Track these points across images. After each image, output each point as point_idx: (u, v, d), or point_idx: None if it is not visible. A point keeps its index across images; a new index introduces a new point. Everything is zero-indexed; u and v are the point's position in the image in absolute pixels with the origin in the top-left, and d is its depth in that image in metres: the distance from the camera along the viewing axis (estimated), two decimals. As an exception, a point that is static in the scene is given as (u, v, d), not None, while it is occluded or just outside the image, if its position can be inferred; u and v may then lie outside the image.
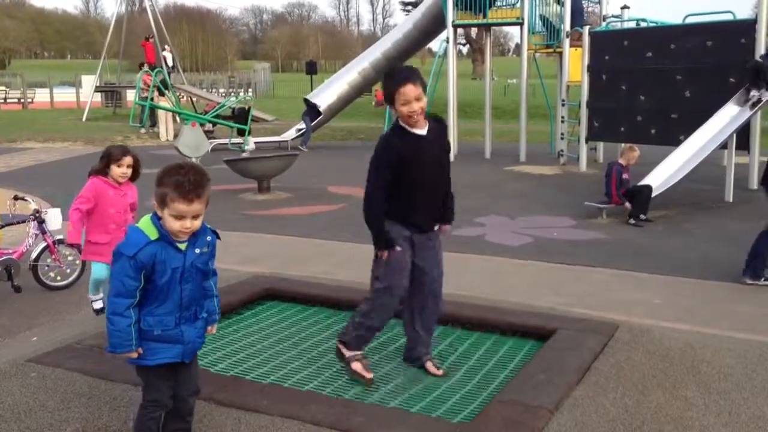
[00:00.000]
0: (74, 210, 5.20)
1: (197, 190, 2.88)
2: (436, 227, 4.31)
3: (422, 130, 4.10)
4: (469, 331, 5.07)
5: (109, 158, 5.22)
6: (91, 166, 5.33)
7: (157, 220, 2.95)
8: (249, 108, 17.51)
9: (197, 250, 3.03)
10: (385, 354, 4.62)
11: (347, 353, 4.24)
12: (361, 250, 7.84)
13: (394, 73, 4.11)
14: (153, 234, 2.92)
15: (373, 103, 33.00)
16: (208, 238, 3.10)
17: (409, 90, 3.93)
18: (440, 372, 4.29)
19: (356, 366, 4.20)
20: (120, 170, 5.21)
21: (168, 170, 2.91)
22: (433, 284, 4.35)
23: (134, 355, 2.99)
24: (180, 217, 2.89)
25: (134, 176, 5.35)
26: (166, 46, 28.09)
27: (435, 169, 4.16)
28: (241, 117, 17.34)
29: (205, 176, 2.94)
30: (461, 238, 8.52)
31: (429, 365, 4.35)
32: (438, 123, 4.23)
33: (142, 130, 21.77)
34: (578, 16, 15.59)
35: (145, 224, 2.95)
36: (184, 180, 2.86)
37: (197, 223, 2.96)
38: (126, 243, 2.94)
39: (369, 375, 4.17)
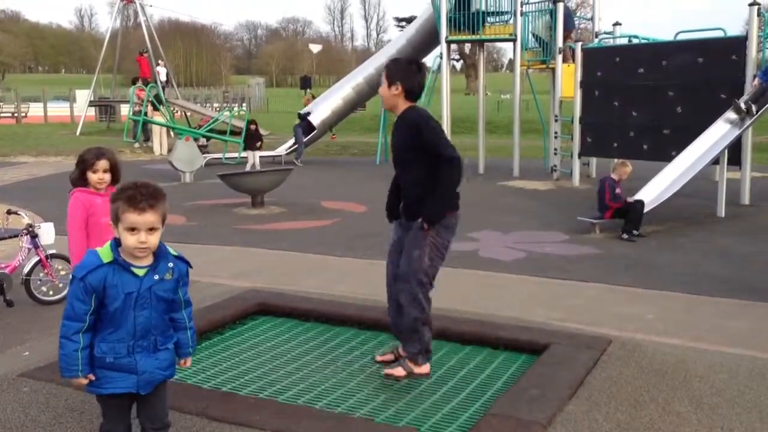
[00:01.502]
0: (74, 243, 4.65)
1: (149, 200, 2.81)
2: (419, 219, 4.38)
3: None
4: (462, 345, 5.07)
5: (83, 165, 4.68)
6: (69, 175, 4.83)
7: (115, 244, 2.89)
8: (254, 126, 17.49)
9: (156, 277, 2.90)
10: (377, 368, 4.61)
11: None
12: (354, 265, 7.85)
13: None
14: (107, 257, 2.86)
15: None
16: (170, 264, 2.96)
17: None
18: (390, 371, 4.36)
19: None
20: (96, 176, 4.66)
21: (121, 187, 2.88)
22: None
23: (82, 381, 2.88)
24: (133, 229, 2.80)
25: (115, 180, 4.77)
26: (159, 61, 28.16)
27: (396, 158, 4.49)
28: (254, 137, 17.30)
29: (158, 190, 2.88)
30: (454, 252, 8.51)
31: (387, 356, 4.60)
32: (407, 113, 4.42)
33: (136, 145, 21.78)
34: (568, 19, 15.73)
35: (104, 248, 2.89)
36: (135, 192, 2.81)
37: (153, 239, 2.85)
38: (79, 265, 2.89)
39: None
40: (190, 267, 3.08)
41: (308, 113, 19.30)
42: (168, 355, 3.02)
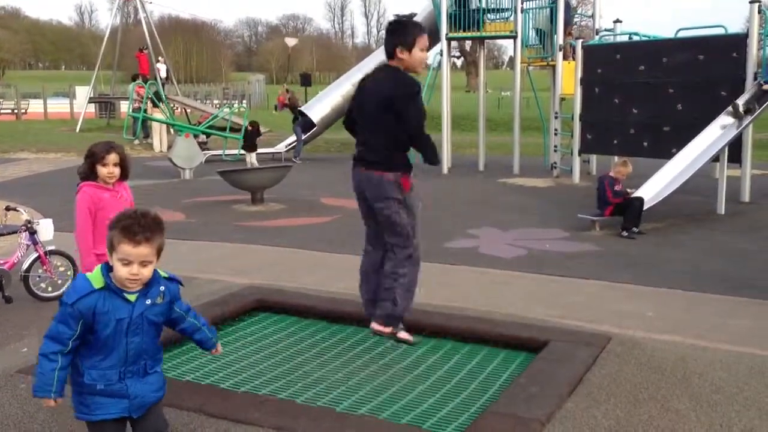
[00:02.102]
0: (81, 239, 4.68)
1: (145, 233, 2.74)
2: None
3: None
4: (461, 342, 5.07)
5: (93, 158, 4.70)
6: (77, 168, 4.86)
7: (107, 269, 2.83)
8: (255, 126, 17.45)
9: (148, 301, 2.85)
10: (376, 365, 4.61)
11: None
12: (354, 262, 7.83)
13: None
14: (99, 283, 2.79)
15: (275, 106, 32.35)
16: (162, 288, 2.90)
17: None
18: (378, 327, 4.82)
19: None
20: (106, 170, 4.67)
21: (120, 215, 2.80)
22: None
23: (51, 403, 2.81)
24: (127, 262, 2.74)
25: (124, 175, 4.81)
26: (159, 58, 28.13)
27: (367, 115, 4.73)
28: (249, 136, 17.27)
29: (156, 222, 2.81)
30: (454, 249, 8.52)
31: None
32: (383, 71, 4.71)
33: (136, 142, 21.78)
34: (567, 9, 15.70)
35: (95, 272, 2.83)
36: (132, 223, 2.74)
37: (146, 272, 2.79)
38: (70, 290, 2.83)
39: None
40: (182, 285, 3.05)
41: (300, 113, 19.28)
42: (158, 377, 3.00)
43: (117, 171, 4.69)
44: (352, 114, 4.94)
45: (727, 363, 4.55)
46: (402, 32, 4.65)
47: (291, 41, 55.87)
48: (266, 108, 43.86)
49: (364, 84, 4.83)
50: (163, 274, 2.95)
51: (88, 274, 2.83)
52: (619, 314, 5.80)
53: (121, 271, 2.75)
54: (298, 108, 27.19)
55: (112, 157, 4.66)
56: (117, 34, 30.27)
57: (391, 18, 4.89)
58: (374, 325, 4.85)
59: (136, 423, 2.96)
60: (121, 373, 2.85)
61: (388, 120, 4.59)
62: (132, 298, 2.82)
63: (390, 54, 4.68)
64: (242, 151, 17.39)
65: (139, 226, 2.73)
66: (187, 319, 3.10)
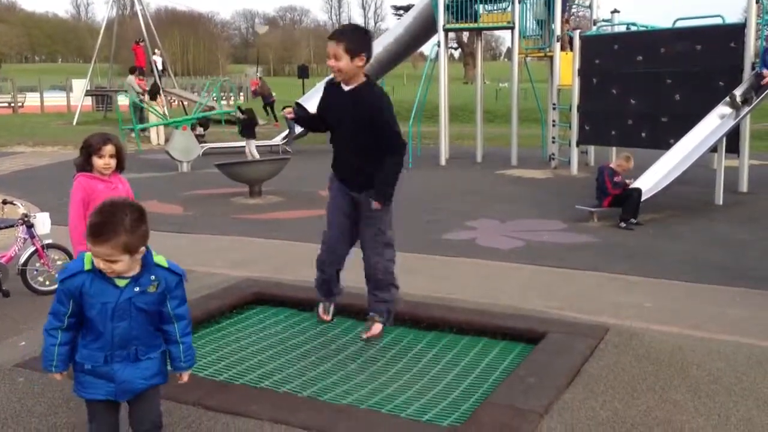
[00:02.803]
0: (72, 228, 4.69)
1: (103, 236, 2.66)
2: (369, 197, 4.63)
3: (347, 87, 4.49)
4: (459, 334, 5.06)
5: (89, 149, 4.71)
6: (74, 160, 4.89)
7: None
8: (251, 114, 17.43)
9: (137, 289, 2.80)
10: (375, 360, 4.61)
11: None
12: (352, 255, 7.82)
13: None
14: (89, 264, 2.79)
15: (251, 90, 31.99)
16: (152, 277, 2.83)
17: (329, 46, 4.36)
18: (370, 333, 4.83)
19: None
20: (102, 161, 4.67)
21: (97, 208, 2.76)
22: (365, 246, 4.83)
23: (56, 376, 2.91)
24: (96, 255, 2.72)
25: (120, 167, 4.82)
26: (156, 50, 28.03)
27: (347, 127, 4.55)
28: (246, 124, 17.25)
29: (118, 223, 2.68)
30: (452, 241, 8.52)
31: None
32: (373, 88, 4.47)
33: (133, 134, 21.71)
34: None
35: (89, 254, 2.81)
36: (97, 221, 2.69)
37: (117, 267, 2.72)
38: (63, 269, 2.87)
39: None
40: (184, 278, 2.95)
41: (297, 104, 19.23)
42: (152, 364, 2.93)
43: (113, 162, 4.70)
44: (323, 117, 4.81)
45: (726, 353, 4.55)
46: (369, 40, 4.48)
47: (261, 28, 55.45)
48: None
49: (335, 92, 4.56)
50: (163, 263, 2.89)
51: (86, 253, 2.84)
52: (617, 305, 5.80)
53: (96, 261, 2.75)
54: (272, 100, 27.00)
55: (108, 149, 4.66)
56: (113, 26, 30.16)
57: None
58: (375, 330, 4.88)
59: (131, 409, 2.99)
60: (108, 357, 2.84)
61: (371, 134, 4.44)
62: (122, 283, 2.79)
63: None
64: (242, 143, 17.32)
65: (101, 225, 2.68)
66: (173, 325, 2.95)
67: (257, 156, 16.46)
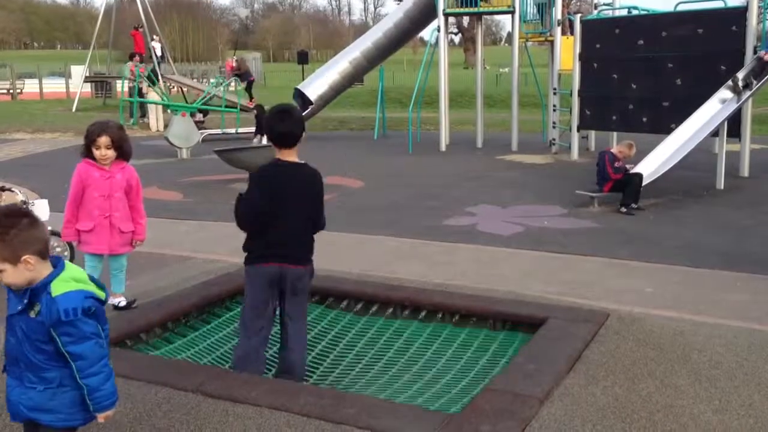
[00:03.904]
0: (66, 210, 4.88)
1: None
2: None
3: None
4: (460, 320, 5.05)
5: (87, 139, 4.75)
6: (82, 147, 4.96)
7: None
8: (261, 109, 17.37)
9: (19, 307, 2.54)
10: (373, 346, 4.60)
11: None
12: (351, 240, 7.81)
13: None
14: None
15: (227, 72, 31.41)
16: (32, 301, 2.52)
17: None
18: None
19: None
20: (99, 153, 4.67)
21: None
22: None
23: None
24: None
25: (123, 156, 4.83)
26: (154, 36, 27.88)
27: (299, 207, 4.30)
28: (258, 120, 17.20)
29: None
30: (452, 227, 8.50)
31: None
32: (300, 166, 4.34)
33: (135, 127, 21.60)
34: None
35: None
36: None
37: (2, 277, 2.50)
38: None
39: None
40: (73, 316, 2.49)
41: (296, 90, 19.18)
42: (37, 396, 2.58)
43: (110, 153, 4.71)
44: (266, 206, 4.11)
45: (726, 338, 4.54)
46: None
47: (243, 12, 55.00)
48: (264, 86, 43.62)
49: (282, 175, 4.24)
50: (55, 291, 2.52)
51: None
52: (618, 290, 5.79)
53: None
54: (251, 79, 26.71)
55: (103, 140, 4.68)
56: (112, 12, 29.99)
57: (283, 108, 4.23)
58: None
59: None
60: (5, 367, 2.68)
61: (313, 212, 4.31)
62: (19, 293, 2.57)
63: (295, 143, 4.27)
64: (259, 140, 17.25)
65: None
66: (73, 364, 2.55)
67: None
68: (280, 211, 4.06)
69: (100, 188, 4.89)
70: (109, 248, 5.06)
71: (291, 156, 4.20)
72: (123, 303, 5.18)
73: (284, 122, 4.16)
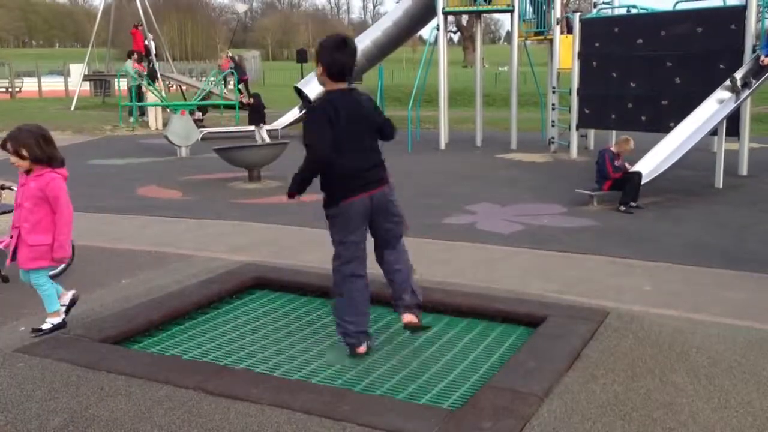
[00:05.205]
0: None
1: None
2: None
3: None
4: (460, 318, 5.06)
5: None
6: None
7: None
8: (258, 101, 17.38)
9: None
10: (377, 344, 4.60)
11: None
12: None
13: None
14: None
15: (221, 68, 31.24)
16: None
17: None
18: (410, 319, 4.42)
19: None
20: (12, 160, 4.53)
21: None
22: None
23: None
24: None
25: (39, 162, 4.57)
26: (148, 34, 27.86)
27: (363, 134, 4.41)
28: (254, 110, 17.21)
29: None
30: (452, 225, 8.51)
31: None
32: (353, 92, 4.41)
33: (131, 119, 21.63)
34: None
35: None
36: None
37: None
38: None
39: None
40: None
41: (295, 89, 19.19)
42: None
43: (20, 162, 4.58)
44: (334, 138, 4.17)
45: (725, 336, 4.55)
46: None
47: (241, 7, 54.67)
48: (263, 84, 43.61)
49: (342, 105, 4.23)
50: None
51: None
52: (617, 289, 5.80)
53: None
54: (245, 77, 26.66)
55: (8, 148, 4.56)
56: (111, 10, 29.96)
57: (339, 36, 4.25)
58: (411, 318, 4.46)
59: None
60: None
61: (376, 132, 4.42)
62: None
63: (350, 74, 4.30)
64: (251, 128, 17.23)
65: None
66: None
67: (267, 140, 16.37)
68: (347, 137, 4.18)
69: (19, 197, 4.73)
70: (18, 262, 4.65)
71: (341, 85, 4.29)
72: (46, 326, 4.60)
73: (343, 52, 4.22)
